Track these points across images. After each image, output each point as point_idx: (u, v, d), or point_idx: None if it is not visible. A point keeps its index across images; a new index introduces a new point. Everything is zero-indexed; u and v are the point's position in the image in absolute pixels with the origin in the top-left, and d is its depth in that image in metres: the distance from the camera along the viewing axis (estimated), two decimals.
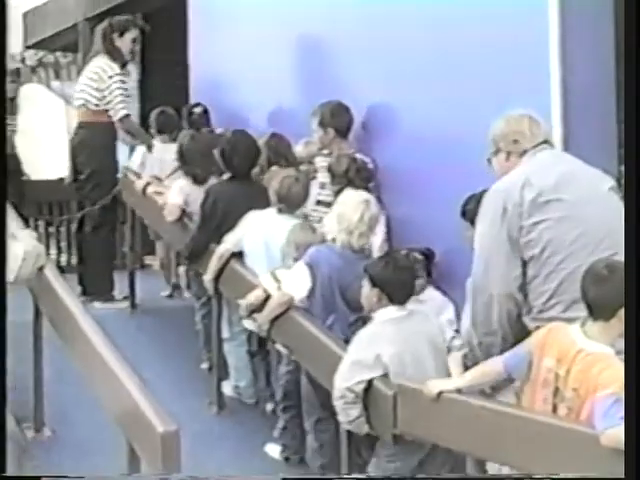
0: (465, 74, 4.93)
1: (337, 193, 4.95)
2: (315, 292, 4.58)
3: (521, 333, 3.68)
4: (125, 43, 6.78)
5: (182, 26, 7.61)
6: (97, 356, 3.95)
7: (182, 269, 6.84)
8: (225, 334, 5.49)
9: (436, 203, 5.06)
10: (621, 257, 3.30)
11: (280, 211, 5.20)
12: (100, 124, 6.72)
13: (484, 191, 4.22)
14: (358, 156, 5.38)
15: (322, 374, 4.35)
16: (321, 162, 5.60)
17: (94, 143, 6.72)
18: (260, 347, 5.26)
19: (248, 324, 5.07)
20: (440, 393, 3.64)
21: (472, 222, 4.16)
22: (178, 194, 5.94)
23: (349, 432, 4.10)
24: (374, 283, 4.14)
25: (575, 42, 4.46)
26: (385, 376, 3.99)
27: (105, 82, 6.66)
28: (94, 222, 6.74)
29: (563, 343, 3.32)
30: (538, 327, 3.59)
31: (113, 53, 6.72)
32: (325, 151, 5.60)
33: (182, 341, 6.11)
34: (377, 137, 5.58)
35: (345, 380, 4.01)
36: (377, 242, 5.01)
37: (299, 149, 5.85)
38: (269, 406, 5.32)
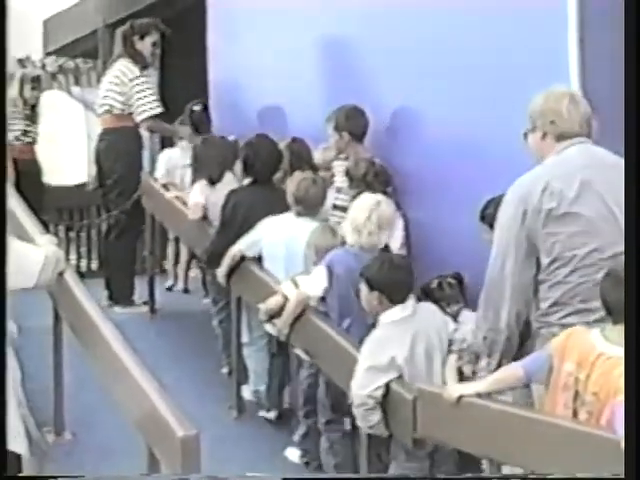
0: (487, 74, 4.90)
1: (355, 197, 4.96)
2: (332, 294, 4.60)
3: (526, 334, 3.70)
4: (146, 46, 6.79)
5: (201, 31, 7.58)
6: (117, 361, 3.97)
7: (194, 272, 6.86)
8: (245, 339, 5.50)
9: (459, 207, 5.01)
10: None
11: (299, 214, 5.20)
12: (125, 129, 6.73)
13: (502, 196, 4.23)
14: (377, 160, 5.37)
15: (339, 376, 4.36)
16: (338, 166, 5.59)
17: (120, 148, 6.74)
18: (280, 351, 5.26)
19: (269, 328, 5.07)
20: (460, 397, 3.62)
21: (491, 226, 4.12)
22: (200, 194, 5.96)
23: (368, 435, 4.11)
24: (372, 286, 4.17)
25: (594, 43, 4.44)
26: (400, 377, 4.01)
27: (127, 85, 6.67)
28: (120, 227, 6.76)
29: (583, 347, 3.32)
30: (540, 328, 3.63)
31: (134, 56, 6.73)
32: (342, 155, 5.60)
33: (201, 345, 6.12)
34: (399, 140, 5.55)
35: (363, 387, 4.02)
36: (395, 245, 5.00)
37: (317, 155, 5.84)
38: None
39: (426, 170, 5.31)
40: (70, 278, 4.78)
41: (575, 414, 3.32)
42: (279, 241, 5.18)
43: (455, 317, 4.41)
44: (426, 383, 3.99)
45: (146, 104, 6.66)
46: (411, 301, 4.21)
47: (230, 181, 5.88)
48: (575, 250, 3.56)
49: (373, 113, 5.56)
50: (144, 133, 7.03)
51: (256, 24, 6.98)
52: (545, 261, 3.61)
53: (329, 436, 4.64)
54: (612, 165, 3.63)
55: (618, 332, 3.25)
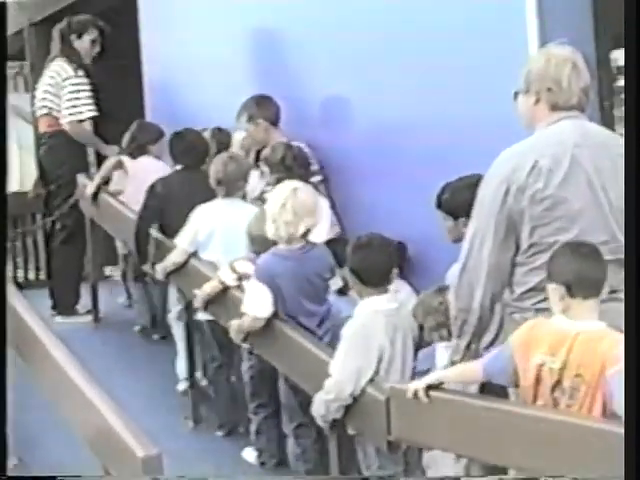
0: (427, 58, 4.80)
1: (276, 184, 4.78)
2: (279, 303, 4.36)
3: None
4: (84, 45, 6.56)
5: (134, 28, 7.40)
6: (64, 376, 3.69)
7: None
8: (172, 312, 5.51)
9: (401, 189, 4.97)
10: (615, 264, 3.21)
11: (224, 196, 5.11)
12: (65, 132, 6.46)
13: (460, 179, 4.04)
14: (294, 143, 5.24)
15: (305, 379, 4.16)
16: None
17: (62, 152, 6.50)
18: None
19: (201, 316, 5.01)
20: (427, 388, 3.39)
21: (448, 212, 3.96)
22: None
23: (338, 438, 3.92)
24: (348, 268, 3.99)
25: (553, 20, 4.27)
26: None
27: (60, 85, 6.44)
28: (66, 233, 6.53)
29: (552, 335, 3.15)
30: (513, 313, 3.43)
31: (70, 55, 6.49)
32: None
33: (150, 354, 5.87)
34: (337, 126, 5.48)
35: (348, 383, 3.79)
36: (321, 231, 4.73)
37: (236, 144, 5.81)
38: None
39: (366, 154, 5.23)
40: (8, 290, 4.48)
41: (556, 405, 3.15)
42: (210, 229, 5.09)
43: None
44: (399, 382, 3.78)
45: (73, 107, 6.41)
46: (397, 294, 4.02)
47: None
48: (557, 236, 3.33)
49: (311, 101, 5.53)
50: None
51: (189, 17, 6.85)
52: (524, 245, 3.39)
53: (300, 442, 4.42)
54: (603, 144, 3.42)
55: (580, 306, 3.13)
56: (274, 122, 5.53)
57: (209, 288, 4.72)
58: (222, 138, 5.83)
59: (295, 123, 5.63)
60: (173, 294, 5.60)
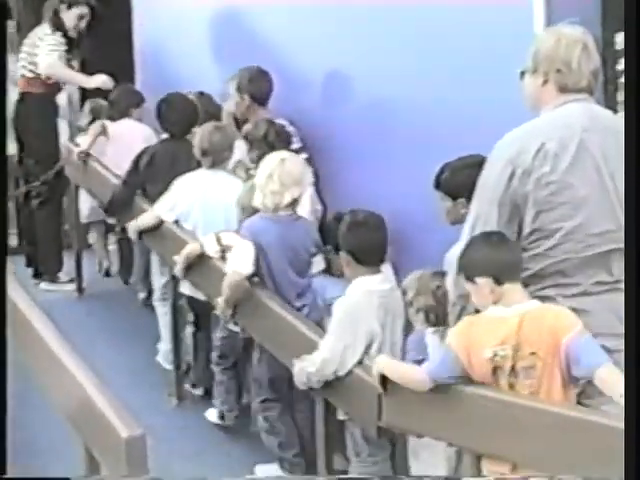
0: (427, 38, 4.67)
1: (258, 160, 4.72)
2: (262, 265, 4.33)
3: None
4: (71, 17, 6.44)
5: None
6: (46, 349, 3.56)
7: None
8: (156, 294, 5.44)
9: (386, 171, 4.89)
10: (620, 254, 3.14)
11: (209, 167, 5.03)
12: (37, 95, 6.39)
13: (460, 159, 3.91)
14: (278, 121, 5.17)
15: (286, 354, 4.08)
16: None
17: (33, 114, 6.40)
18: (203, 324, 5.07)
19: (184, 289, 4.96)
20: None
21: (447, 192, 3.83)
22: None
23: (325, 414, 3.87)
24: (340, 246, 3.89)
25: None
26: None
27: (36, 44, 6.37)
28: (43, 197, 6.43)
29: (495, 325, 3.14)
30: None
31: (54, 21, 6.41)
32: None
33: (136, 327, 5.75)
34: (325, 103, 5.40)
35: (335, 363, 3.73)
36: (305, 202, 4.68)
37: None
38: (199, 390, 5.13)
39: (353, 133, 5.16)
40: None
41: (511, 388, 3.15)
42: (194, 199, 5.01)
43: None
44: None
45: (50, 53, 6.31)
46: (391, 276, 3.92)
47: None
48: (561, 222, 3.23)
49: (299, 77, 5.43)
50: (61, 102, 6.74)
51: None
52: (527, 230, 3.27)
53: (266, 416, 4.41)
54: (612, 130, 3.29)
55: (511, 292, 3.15)
56: (260, 100, 5.39)
57: (188, 249, 4.68)
58: (205, 102, 5.70)
59: (281, 99, 5.51)
60: (156, 273, 5.51)
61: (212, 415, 4.85)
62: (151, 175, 5.36)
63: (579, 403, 3.29)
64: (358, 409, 3.68)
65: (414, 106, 4.74)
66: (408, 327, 3.89)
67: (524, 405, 3.12)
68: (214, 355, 4.83)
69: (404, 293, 3.86)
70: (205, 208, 4.97)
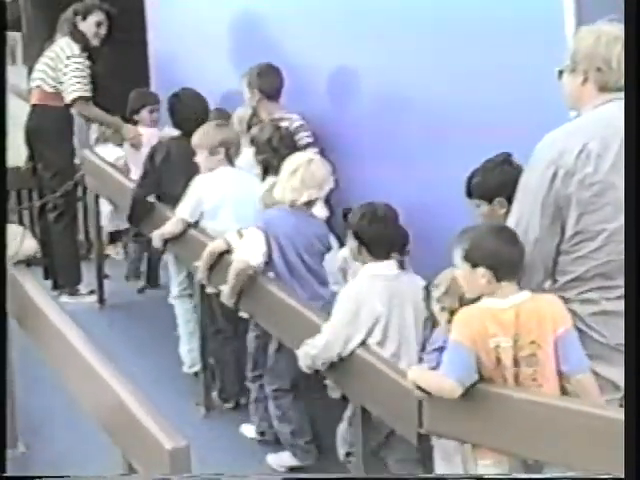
0: (445, 35, 4.63)
1: (261, 162, 4.89)
2: (274, 256, 4.41)
3: None
4: (89, 26, 6.38)
5: (139, 4, 7.28)
6: (79, 359, 3.50)
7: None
8: (173, 292, 5.40)
9: (397, 169, 4.89)
10: None
11: (229, 162, 5.05)
12: (54, 108, 6.31)
13: (488, 161, 3.88)
14: (289, 115, 5.24)
15: (295, 341, 4.09)
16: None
17: (50, 128, 6.31)
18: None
19: (210, 289, 4.87)
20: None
21: (482, 196, 3.80)
22: None
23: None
24: (355, 236, 3.96)
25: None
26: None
27: (62, 62, 6.27)
28: (59, 209, 6.35)
29: (494, 316, 3.19)
30: None
31: (75, 35, 6.34)
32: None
33: (159, 337, 5.66)
34: (336, 98, 5.40)
35: (338, 347, 3.81)
36: (319, 206, 4.68)
37: (235, 115, 5.71)
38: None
39: (364, 130, 5.17)
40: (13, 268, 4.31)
41: (516, 379, 3.20)
42: (224, 196, 5.00)
43: None
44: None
45: (78, 83, 6.24)
46: (396, 264, 3.97)
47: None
48: (604, 224, 3.17)
49: (309, 74, 5.43)
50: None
51: None
52: (570, 232, 3.22)
53: (279, 403, 4.47)
54: None
55: (506, 287, 3.19)
56: (270, 95, 5.43)
57: (213, 245, 4.71)
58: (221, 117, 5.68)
59: (293, 93, 5.52)
60: (173, 271, 5.46)
61: (249, 431, 4.77)
62: (167, 171, 5.33)
63: (621, 406, 3.25)
64: (397, 415, 3.60)
65: (428, 102, 4.73)
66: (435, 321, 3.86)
67: (566, 408, 3.07)
68: (249, 362, 4.70)
69: (434, 288, 3.81)
70: (236, 203, 4.96)
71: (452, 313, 3.65)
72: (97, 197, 6.33)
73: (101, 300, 6.30)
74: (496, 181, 3.76)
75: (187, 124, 5.36)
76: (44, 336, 3.94)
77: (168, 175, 5.31)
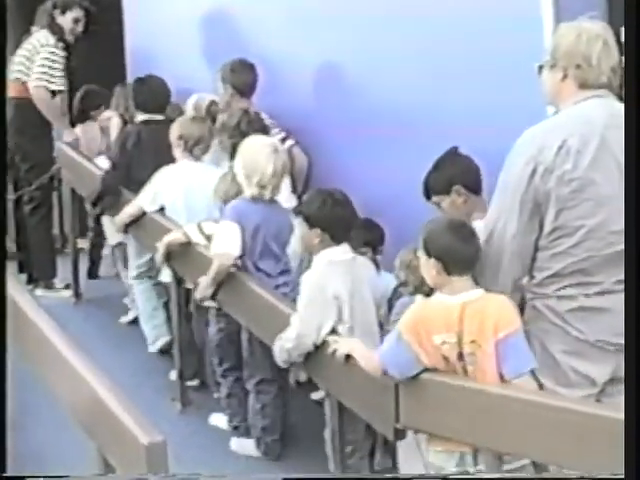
0: (420, 30, 4.70)
1: (232, 148, 4.84)
2: (246, 248, 4.44)
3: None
4: (66, 21, 6.40)
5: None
6: (55, 353, 3.47)
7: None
8: (132, 272, 5.57)
9: (363, 160, 4.99)
10: None
11: (192, 156, 5.16)
12: (31, 100, 6.28)
13: (438, 158, 3.98)
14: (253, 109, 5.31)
15: (270, 334, 4.13)
16: None
17: (26, 120, 6.29)
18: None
19: (165, 276, 5.05)
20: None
21: (439, 190, 3.93)
22: None
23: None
24: (312, 223, 3.95)
25: None
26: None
27: (37, 51, 6.29)
28: (33, 203, 6.36)
29: (441, 311, 3.28)
30: (533, 299, 3.32)
31: (53, 27, 6.37)
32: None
33: (135, 332, 5.63)
34: (305, 91, 5.48)
35: (311, 336, 3.86)
36: (283, 192, 4.76)
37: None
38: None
39: (330, 121, 5.25)
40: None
41: (465, 373, 3.27)
42: (178, 191, 5.13)
43: None
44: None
45: (44, 73, 6.25)
46: (349, 247, 4.04)
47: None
48: (583, 220, 3.18)
49: (286, 69, 5.49)
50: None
51: None
52: (548, 228, 3.23)
53: (260, 397, 4.48)
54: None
55: (458, 282, 3.26)
56: (242, 91, 5.47)
57: (172, 237, 4.81)
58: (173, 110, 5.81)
59: (269, 88, 5.57)
60: (132, 253, 5.56)
61: (220, 421, 4.78)
62: (138, 155, 5.42)
63: (598, 401, 3.27)
64: (374, 411, 3.61)
65: (399, 98, 4.79)
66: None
67: (543, 403, 3.08)
68: (215, 357, 4.71)
69: (399, 272, 4.11)
70: (187, 200, 5.08)
71: (406, 284, 3.94)
72: (73, 191, 6.28)
73: (77, 294, 6.27)
74: (449, 172, 3.91)
75: (150, 107, 5.54)
76: (19, 330, 3.90)
77: (140, 158, 5.39)
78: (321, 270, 3.96)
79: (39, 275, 6.40)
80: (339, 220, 3.98)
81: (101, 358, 4.80)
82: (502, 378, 3.22)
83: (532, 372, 3.24)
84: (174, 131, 5.19)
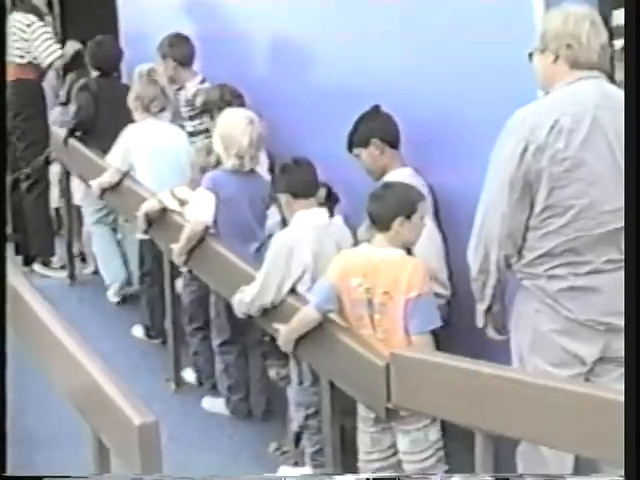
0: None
1: (212, 120, 4.93)
2: (219, 217, 4.54)
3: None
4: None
5: None
6: (48, 334, 3.48)
7: None
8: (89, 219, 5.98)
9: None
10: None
11: (151, 114, 5.39)
12: (27, 81, 6.37)
13: (361, 114, 4.10)
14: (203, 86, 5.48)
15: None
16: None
17: (23, 101, 6.35)
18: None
19: (139, 235, 5.24)
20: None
21: (358, 144, 4.13)
22: None
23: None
24: (279, 189, 4.14)
25: None
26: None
27: (26, 32, 6.34)
28: (30, 180, 6.44)
29: (363, 260, 3.64)
30: (522, 279, 3.34)
31: (24, 7, 6.42)
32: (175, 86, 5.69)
33: (129, 314, 5.68)
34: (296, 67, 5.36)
35: (270, 295, 4.01)
36: (261, 162, 4.86)
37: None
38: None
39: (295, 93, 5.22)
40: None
41: (372, 321, 3.61)
42: (143, 149, 5.32)
43: None
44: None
45: (49, 48, 6.40)
46: (326, 213, 4.13)
47: None
48: (574, 200, 3.20)
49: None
50: (47, 88, 6.71)
51: None
52: (539, 207, 3.25)
53: (223, 358, 4.68)
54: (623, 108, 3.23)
55: (386, 238, 3.62)
56: (183, 62, 5.65)
57: (147, 206, 4.93)
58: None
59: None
60: (86, 203, 5.90)
61: (190, 376, 5.00)
62: (97, 99, 5.76)
63: (587, 380, 3.30)
64: (365, 391, 3.63)
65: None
66: None
67: (536, 384, 3.08)
68: (185, 316, 4.91)
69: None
70: (152, 157, 5.27)
71: None
72: (68, 173, 6.28)
73: (72, 276, 6.29)
74: (368, 126, 4.12)
75: (105, 66, 5.91)
76: (13, 311, 3.91)
77: (102, 111, 5.72)
78: (293, 231, 4.08)
79: (38, 252, 6.46)
80: (295, 178, 4.10)
81: (95, 339, 4.88)
82: (406, 333, 3.55)
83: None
84: (130, 95, 5.42)
